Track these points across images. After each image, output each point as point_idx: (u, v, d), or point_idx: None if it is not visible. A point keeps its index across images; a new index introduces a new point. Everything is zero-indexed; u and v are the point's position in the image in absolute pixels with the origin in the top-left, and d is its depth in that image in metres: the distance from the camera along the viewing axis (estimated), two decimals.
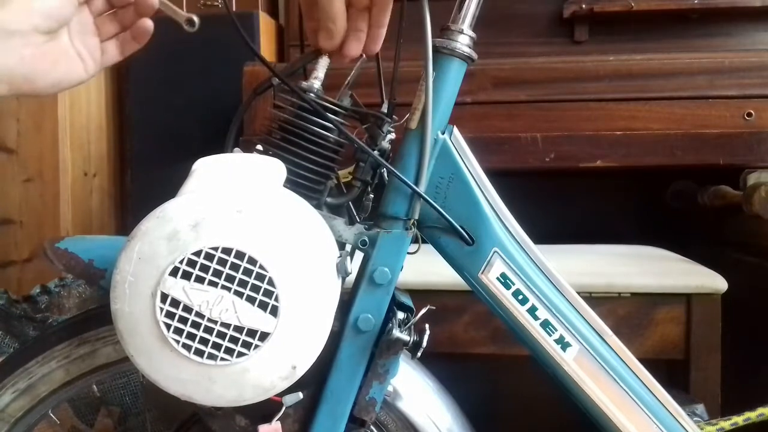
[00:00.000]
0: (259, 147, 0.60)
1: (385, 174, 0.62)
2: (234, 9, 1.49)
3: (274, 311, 0.48)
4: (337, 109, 0.60)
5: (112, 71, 1.60)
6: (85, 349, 0.66)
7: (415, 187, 0.57)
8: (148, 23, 0.61)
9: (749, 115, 1.09)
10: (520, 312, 0.61)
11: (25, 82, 0.53)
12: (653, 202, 1.50)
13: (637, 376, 0.62)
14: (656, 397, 0.63)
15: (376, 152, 0.61)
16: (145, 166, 1.56)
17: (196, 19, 0.60)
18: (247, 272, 0.48)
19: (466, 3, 0.59)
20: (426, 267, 0.88)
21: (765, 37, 1.28)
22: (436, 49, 0.59)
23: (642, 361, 0.63)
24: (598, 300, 0.96)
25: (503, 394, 1.32)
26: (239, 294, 0.48)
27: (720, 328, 0.95)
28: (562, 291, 0.62)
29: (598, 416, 0.62)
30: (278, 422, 0.58)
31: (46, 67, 0.54)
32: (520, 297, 0.61)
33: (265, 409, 0.58)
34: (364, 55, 0.63)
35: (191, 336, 0.48)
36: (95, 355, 0.66)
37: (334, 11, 0.57)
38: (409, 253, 0.60)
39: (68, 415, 1.04)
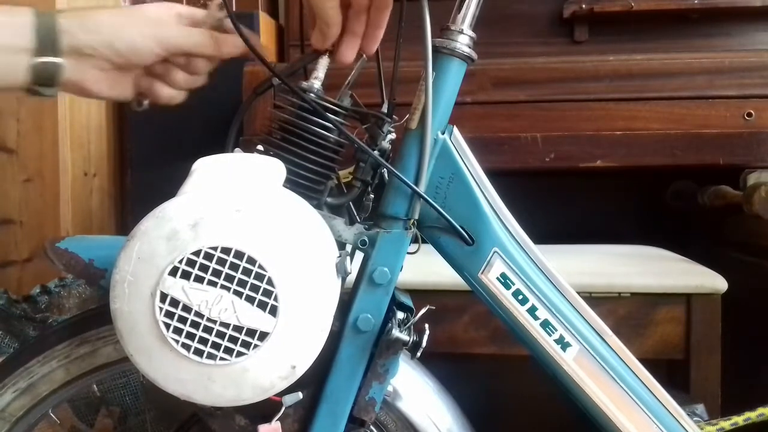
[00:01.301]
0: (260, 147, 0.60)
1: (386, 174, 0.62)
2: (234, 9, 1.49)
3: (273, 311, 0.48)
4: (337, 109, 0.60)
5: None
6: (86, 349, 0.66)
7: (414, 187, 0.58)
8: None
9: (749, 115, 1.09)
10: (520, 312, 0.61)
11: (79, 92, 0.59)
12: (653, 202, 1.50)
13: (637, 376, 0.62)
14: (656, 397, 0.63)
15: (376, 152, 0.61)
16: (145, 166, 1.56)
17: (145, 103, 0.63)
18: (247, 272, 0.48)
19: (466, 3, 0.59)
20: (426, 267, 0.88)
21: (765, 37, 1.28)
22: (436, 49, 0.59)
23: (642, 361, 0.63)
24: (598, 300, 0.96)
25: (503, 394, 1.32)
26: (238, 293, 0.48)
27: (720, 328, 0.95)
28: (562, 291, 0.62)
29: (598, 416, 0.62)
30: (278, 422, 0.58)
31: (102, 87, 0.59)
32: (520, 297, 0.61)
33: (265, 409, 0.58)
34: (364, 56, 0.63)
35: (190, 335, 0.48)
36: (96, 354, 0.66)
37: (328, 15, 0.58)
38: (409, 253, 0.60)
39: (68, 415, 1.04)
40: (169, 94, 0.62)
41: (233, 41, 0.62)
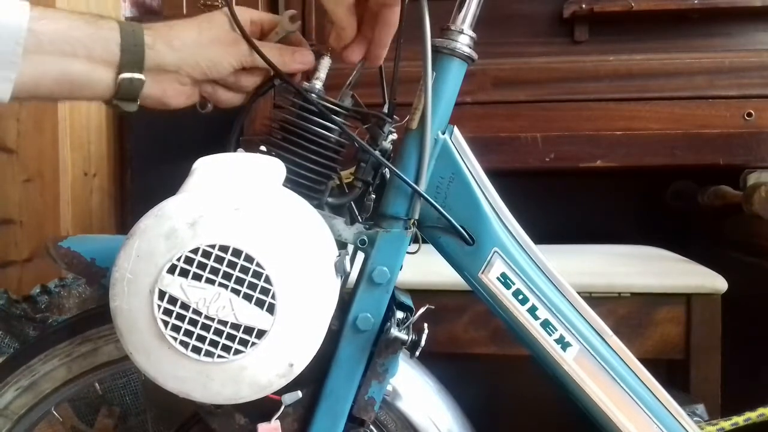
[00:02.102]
0: (263, 148, 0.60)
1: (386, 174, 0.62)
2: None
3: (271, 309, 0.48)
4: (338, 109, 0.61)
5: None
6: (87, 347, 0.66)
7: (415, 186, 0.58)
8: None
9: (749, 115, 1.09)
10: (520, 312, 0.61)
11: (158, 104, 0.60)
12: (653, 202, 1.50)
13: (638, 376, 0.62)
14: (656, 397, 0.63)
15: (377, 152, 0.61)
16: (145, 166, 1.57)
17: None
18: (244, 270, 0.48)
19: (466, 3, 0.59)
20: (426, 267, 0.88)
21: (765, 37, 1.28)
22: (436, 50, 0.59)
23: (642, 361, 0.63)
24: (598, 300, 0.96)
25: (503, 394, 1.32)
26: (236, 291, 0.48)
27: (720, 328, 0.95)
28: (562, 291, 0.62)
29: (598, 416, 0.62)
30: (277, 421, 0.59)
31: (180, 100, 0.61)
32: (521, 297, 0.61)
33: (265, 408, 0.58)
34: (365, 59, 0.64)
35: (189, 333, 0.48)
36: (97, 353, 0.66)
37: (340, 18, 0.59)
38: (409, 252, 0.60)
39: (69, 415, 1.04)
40: (232, 98, 0.64)
41: (301, 58, 0.63)
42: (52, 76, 0.55)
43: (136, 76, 0.57)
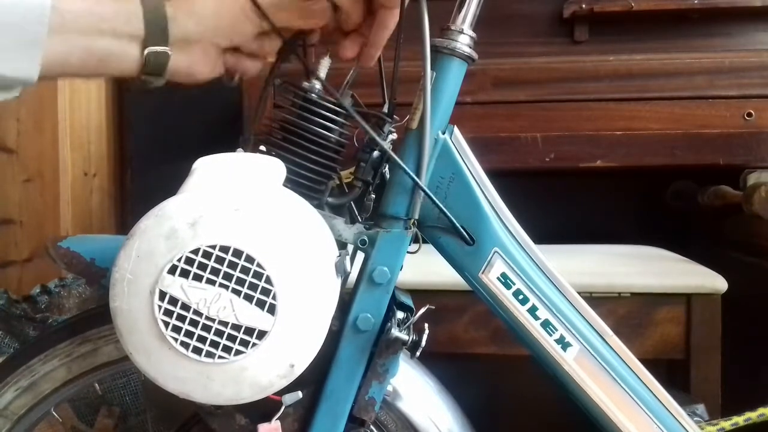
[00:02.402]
0: (263, 147, 0.60)
1: (386, 174, 0.62)
2: None
3: (272, 309, 0.48)
4: (338, 109, 0.60)
5: None
6: (87, 348, 0.66)
7: (418, 180, 0.57)
8: None
9: (749, 115, 1.09)
10: (520, 312, 0.61)
11: (186, 77, 0.60)
12: (653, 202, 1.50)
13: (638, 376, 0.62)
14: (656, 397, 0.63)
15: (376, 152, 0.61)
16: (145, 166, 1.57)
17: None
18: (245, 270, 0.48)
19: (466, 3, 0.59)
20: (426, 267, 0.88)
21: (765, 37, 1.28)
22: (436, 49, 0.59)
23: (642, 361, 0.63)
24: (598, 300, 0.96)
25: (503, 394, 1.32)
26: (237, 292, 0.48)
27: (720, 328, 0.95)
28: (562, 291, 0.62)
29: (598, 416, 0.62)
30: (278, 421, 0.58)
31: (206, 69, 0.60)
32: (521, 297, 0.61)
33: (265, 408, 0.58)
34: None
35: (189, 334, 0.48)
36: (97, 353, 0.66)
37: (348, 6, 0.59)
38: (409, 252, 0.60)
39: (69, 415, 1.04)
40: (256, 65, 0.63)
41: (320, 10, 0.61)
42: (78, 54, 0.54)
43: (162, 49, 0.56)
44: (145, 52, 0.56)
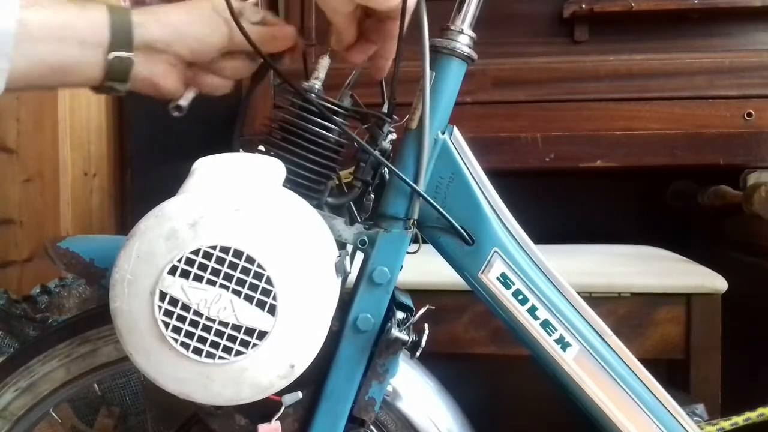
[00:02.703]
0: (262, 147, 0.60)
1: (386, 174, 0.62)
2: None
3: (272, 310, 0.48)
4: (338, 109, 0.60)
5: None
6: (87, 348, 0.66)
7: (415, 186, 0.58)
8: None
9: (749, 115, 1.09)
10: (520, 312, 0.61)
11: (150, 87, 0.60)
12: (653, 202, 1.50)
13: (637, 376, 0.62)
14: (656, 397, 0.63)
15: (377, 152, 0.61)
16: (145, 166, 1.57)
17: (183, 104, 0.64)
18: (245, 271, 0.48)
19: (466, 3, 0.59)
20: (426, 267, 0.88)
21: (765, 37, 1.28)
22: (436, 49, 0.59)
23: (642, 361, 0.63)
24: (598, 300, 0.96)
25: (503, 394, 1.32)
26: (237, 292, 0.48)
27: (720, 328, 0.95)
28: (562, 291, 0.62)
29: (598, 416, 0.62)
30: (278, 421, 0.58)
31: (169, 82, 0.60)
32: (520, 297, 0.61)
33: (265, 409, 0.58)
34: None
35: (189, 334, 0.48)
36: (96, 353, 0.66)
37: (339, 24, 0.59)
38: (409, 252, 0.60)
39: (69, 415, 1.04)
40: (218, 84, 0.64)
41: (282, 35, 0.63)
42: (45, 63, 0.55)
43: (126, 54, 0.57)
44: (110, 56, 0.56)
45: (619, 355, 0.62)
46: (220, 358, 0.48)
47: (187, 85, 0.63)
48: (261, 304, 0.48)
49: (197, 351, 0.48)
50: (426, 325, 0.58)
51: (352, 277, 0.59)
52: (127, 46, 0.57)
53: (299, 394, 0.58)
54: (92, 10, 0.56)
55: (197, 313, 0.48)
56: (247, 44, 0.60)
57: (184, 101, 0.63)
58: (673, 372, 1.01)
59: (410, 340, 0.57)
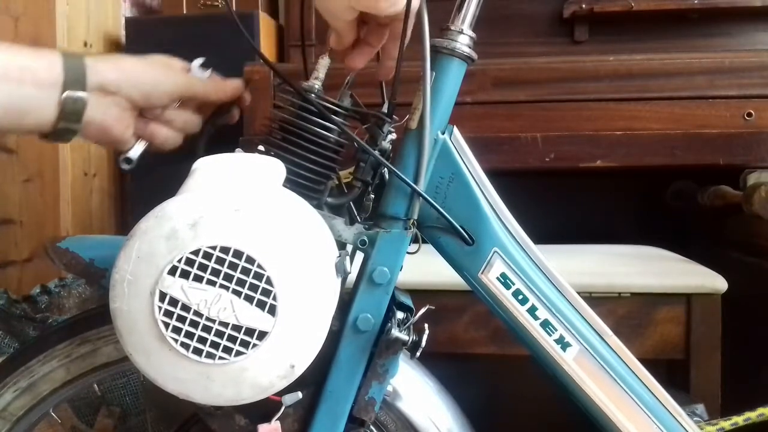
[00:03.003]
0: (261, 147, 0.60)
1: (386, 174, 0.62)
2: (234, 9, 1.49)
3: (272, 310, 0.48)
4: (338, 109, 0.60)
5: None
6: (87, 348, 0.66)
7: (415, 186, 0.58)
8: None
9: (749, 115, 1.08)
10: (520, 312, 0.61)
11: (100, 132, 0.60)
12: (653, 202, 1.50)
13: (637, 376, 0.62)
14: (656, 397, 0.63)
15: (376, 152, 0.61)
16: (145, 166, 1.56)
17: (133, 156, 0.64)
18: (245, 271, 0.48)
19: (466, 3, 0.59)
20: (426, 267, 0.88)
21: (765, 37, 1.28)
22: (436, 49, 0.59)
23: (642, 361, 0.63)
24: (598, 300, 0.96)
25: (503, 394, 1.32)
26: (237, 293, 0.48)
27: (720, 328, 0.95)
28: (562, 291, 0.62)
29: (598, 416, 0.62)
30: (278, 422, 0.58)
31: (121, 127, 0.61)
32: (520, 297, 0.61)
33: (265, 409, 0.58)
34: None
35: (189, 335, 0.48)
36: (96, 354, 0.66)
37: (339, 27, 0.60)
38: (409, 253, 0.60)
39: (68, 415, 1.04)
40: (168, 135, 0.64)
41: (231, 86, 0.66)
42: (1, 105, 0.55)
43: (79, 94, 0.57)
44: (63, 96, 0.56)
45: (619, 355, 0.62)
46: (220, 358, 0.48)
47: (137, 137, 0.63)
48: (261, 305, 0.48)
49: (197, 351, 0.48)
50: (426, 325, 0.58)
51: (352, 277, 0.59)
52: (80, 86, 0.57)
53: (299, 394, 0.58)
54: (46, 53, 0.57)
55: (197, 314, 0.48)
56: (198, 93, 0.63)
57: (134, 153, 0.63)
58: (673, 372, 1.01)
59: (410, 340, 0.57)
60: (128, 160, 0.63)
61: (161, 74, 0.61)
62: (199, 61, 0.66)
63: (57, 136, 0.59)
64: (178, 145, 0.65)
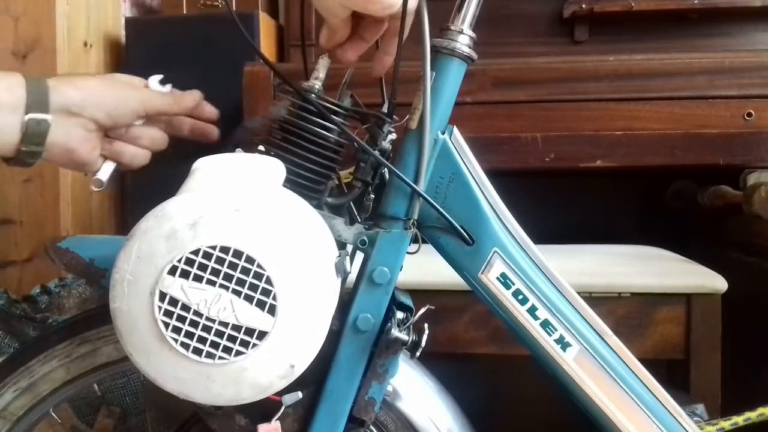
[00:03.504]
0: (261, 147, 0.60)
1: (386, 174, 0.62)
2: (234, 9, 1.49)
3: (272, 310, 0.48)
4: (338, 109, 0.60)
5: (113, 71, 1.60)
6: (86, 348, 0.66)
7: (415, 186, 0.58)
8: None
9: (749, 115, 1.08)
10: (520, 312, 0.61)
11: (64, 154, 0.59)
12: (653, 202, 1.50)
13: (637, 376, 0.62)
14: (656, 397, 0.63)
15: (376, 152, 0.61)
16: (145, 166, 1.56)
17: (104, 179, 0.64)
18: (245, 271, 0.48)
19: (466, 3, 0.59)
20: (426, 267, 0.88)
21: (765, 37, 1.28)
22: (436, 49, 0.59)
23: (642, 361, 0.63)
24: (598, 300, 0.96)
25: (503, 394, 1.32)
26: (237, 293, 0.48)
27: (720, 328, 0.95)
28: (562, 291, 0.62)
29: (598, 416, 0.62)
30: (278, 421, 0.59)
31: (87, 148, 0.60)
32: (520, 297, 0.61)
33: (265, 409, 0.58)
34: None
35: (189, 334, 0.48)
36: (96, 354, 0.66)
37: (333, 23, 0.60)
38: (409, 253, 0.60)
39: (69, 415, 1.04)
40: (135, 153, 0.64)
41: (191, 97, 0.66)
42: None
43: (42, 116, 0.56)
44: (26, 118, 0.56)
45: (619, 355, 0.62)
46: (220, 358, 0.48)
47: (104, 157, 0.62)
48: (261, 304, 0.48)
49: (197, 351, 0.48)
50: (426, 325, 0.58)
51: (352, 277, 0.59)
52: (43, 108, 0.56)
53: (299, 394, 0.58)
54: (8, 75, 0.57)
55: (197, 313, 0.48)
56: (160, 107, 0.62)
57: (103, 174, 0.62)
58: (673, 372, 1.01)
59: (410, 340, 0.57)
60: (98, 182, 0.63)
61: (123, 93, 0.61)
62: (156, 77, 0.66)
63: (20, 160, 0.58)
64: (146, 162, 0.65)
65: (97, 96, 0.59)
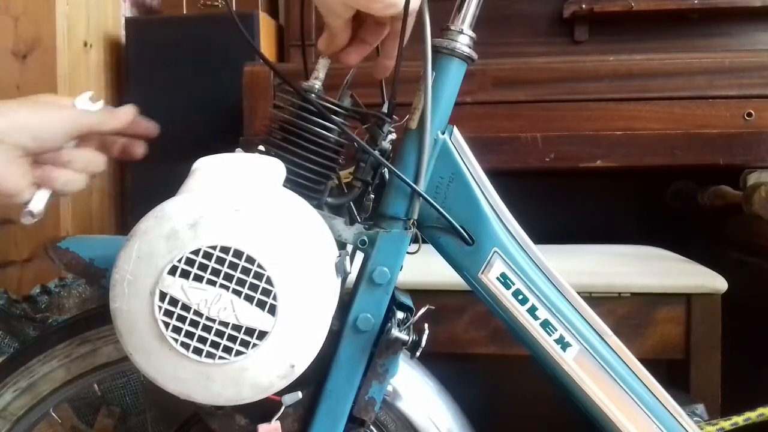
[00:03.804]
0: (261, 147, 0.60)
1: (386, 174, 0.62)
2: (234, 9, 1.49)
3: (272, 310, 0.48)
4: (338, 109, 0.60)
5: (112, 71, 1.60)
6: (87, 348, 0.66)
7: (415, 186, 0.58)
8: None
9: (749, 115, 1.09)
10: (520, 312, 0.61)
11: None
12: (653, 202, 1.50)
13: (637, 376, 0.62)
14: (656, 397, 0.63)
15: (376, 152, 0.61)
16: (145, 166, 1.56)
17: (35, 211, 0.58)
18: (245, 271, 0.48)
19: (466, 3, 0.59)
20: (426, 267, 0.88)
21: (765, 37, 1.28)
22: (436, 49, 0.59)
23: (642, 361, 0.63)
24: (598, 300, 0.96)
25: (503, 394, 1.32)
26: (237, 293, 0.48)
27: (720, 328, 0.95)
28: (562, 291, 0.62)
29: (598, 416, 0.62)
30: (278, 421, 0.58)
31: (15, 176, 0.55)
32: (520, 297, 0.61)
33: (265, 409, 0.58)
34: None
35: (189, 334, 0.48)
36: (96, 354, 0.66)
37: (335, 27, 0.59)
38: (409, 253, 0.60)
39: (69, 415, 1.04)
40: (70, 177, 0.59)
41: (124, 112, 0.62)
42: None
43: None
44: None
45: (619, 355, 0.62)
46: (220, 358, 0.48)
47: (37, 186, 0.57)
48: (261, 304, 0.48)
49: (197, 351, 0.48)
50: (426, 325, 0.58)
51: (352, 277, 0.59)
52: None
53: (299, 394, 0.58)
54: None
55: (197, 313, 0.48)
56: (91, 125, 0.58)
57: (36, 205, 0.57)
58: (673, 372, 1.01)
59: (410, 340, 0.57)
60: (30, 214, 0.57)
61: (49, 114, 0.56)
62: (86, 95, 0.62)
63: None
64: (83, 186, 0.60)
65: (21, 120, 0.54)
